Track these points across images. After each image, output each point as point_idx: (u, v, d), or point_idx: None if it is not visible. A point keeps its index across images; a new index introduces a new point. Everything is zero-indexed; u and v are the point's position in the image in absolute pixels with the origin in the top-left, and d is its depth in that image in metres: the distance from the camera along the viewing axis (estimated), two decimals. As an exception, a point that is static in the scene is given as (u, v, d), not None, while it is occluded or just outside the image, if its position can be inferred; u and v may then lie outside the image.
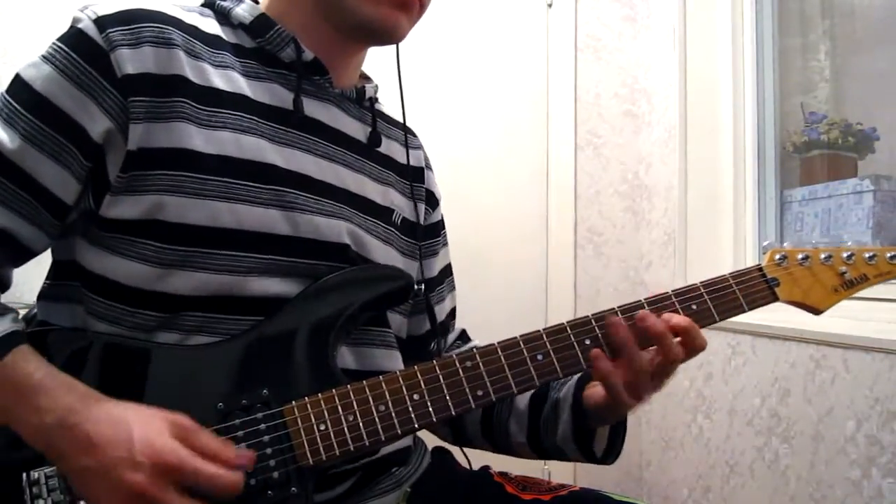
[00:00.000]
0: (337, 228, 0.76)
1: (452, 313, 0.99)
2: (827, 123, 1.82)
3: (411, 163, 0.91)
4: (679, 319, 0.72)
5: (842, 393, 1.41)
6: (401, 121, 0.93)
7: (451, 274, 1.00)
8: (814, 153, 1.87)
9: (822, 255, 0.81)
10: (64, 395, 0.59)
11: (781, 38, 2.01)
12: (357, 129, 0.84)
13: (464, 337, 1.00)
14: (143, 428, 0.58)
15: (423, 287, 0.87)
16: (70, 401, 0.59)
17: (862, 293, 1.49)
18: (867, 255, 0.81)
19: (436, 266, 0.95)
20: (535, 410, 0.86)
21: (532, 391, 0.85)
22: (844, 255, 0.81)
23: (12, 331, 0.63)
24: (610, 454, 0.84)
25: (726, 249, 2.02)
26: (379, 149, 0.86)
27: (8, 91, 0.68)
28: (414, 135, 0.96)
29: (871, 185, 1.65)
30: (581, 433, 0.82)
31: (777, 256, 0.81)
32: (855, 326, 1.43)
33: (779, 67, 2.00)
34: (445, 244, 0.99)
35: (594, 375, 0.73)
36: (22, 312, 0.81)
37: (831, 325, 1.48)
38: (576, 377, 0.83)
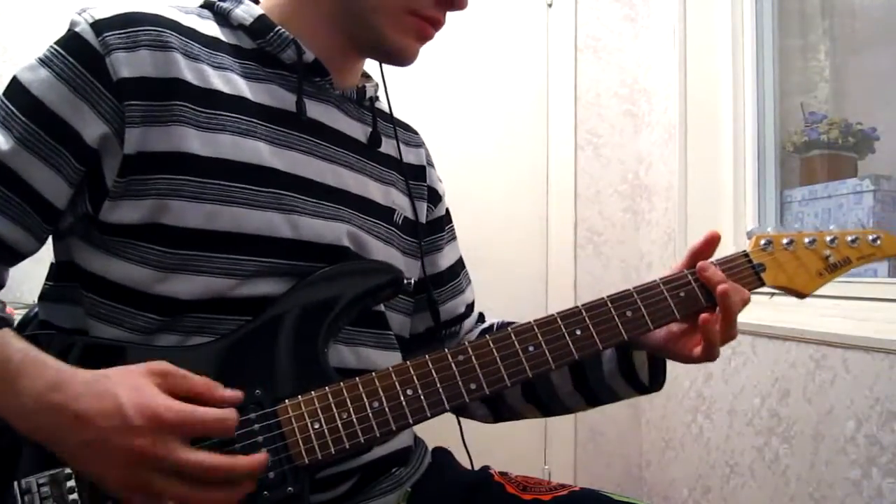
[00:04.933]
0: (336, 231, 0.76)
1: (472, 305, 1.00)
2: (827, 123, 1.82)
3: (412, 160, 0.91)
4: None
5: (842, 393, 1.41)
6: (402, 120, 0.93)
7: (465, 267, 1.01)
8: (814, 153, 1.87)
9: (807, 240, 0.82)
10: (40, 375, 0.58)
11: (781, 38, 2.01)
12: (357, 130, 0.83)
13: (481, 318, 1.01)
14: (129, 392, 0.57)
15: (412, 283, 0.86)
16: (46, 380, 0.57)
17: (863, 293, 1.50)
18: (850, 239, 0.82)
19: (442, 262, 0.95)
20: None
21: None
22: (828, 238, 0.82)
23: None
24: (655, 381, 0.85)
25: (726, 249, 2.00)
26: (380, 149, 0.86)
27: (5, 94, 0.68)
28: (415, 132, 0.96)
29: (871, 185, 1.65)
30: (627, 365, 0.83)
31: (762, 242, 0.81)
32: (855, 326, 1.43)
33: (779, 67, 2.00)
34: (453, 239, 0.99)
35: (701, 332, 0.74)
36: (22, 312, 0.81)
37: (831, 325, 1.48)
38: None
